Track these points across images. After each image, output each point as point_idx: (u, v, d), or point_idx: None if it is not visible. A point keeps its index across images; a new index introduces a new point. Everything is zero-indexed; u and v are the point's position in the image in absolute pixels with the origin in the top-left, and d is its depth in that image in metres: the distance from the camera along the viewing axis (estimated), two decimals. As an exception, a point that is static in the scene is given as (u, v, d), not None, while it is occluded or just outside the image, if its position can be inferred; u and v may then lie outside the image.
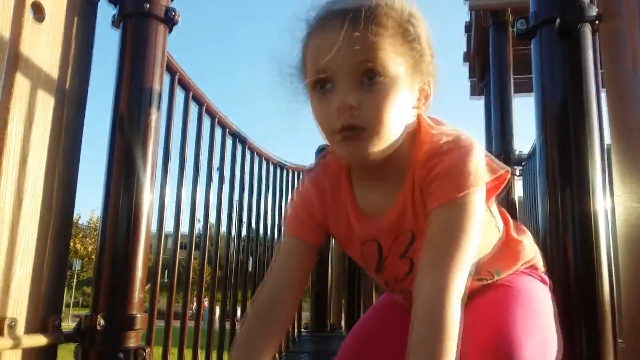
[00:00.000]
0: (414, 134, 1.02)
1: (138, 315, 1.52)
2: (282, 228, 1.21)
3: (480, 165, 0.95)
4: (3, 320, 1.30)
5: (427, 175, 0.97)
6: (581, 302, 1.48)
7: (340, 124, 0.93)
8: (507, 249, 1.16)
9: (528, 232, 1.24)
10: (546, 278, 1.25)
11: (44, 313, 1.42)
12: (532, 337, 0.97)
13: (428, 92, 1.04)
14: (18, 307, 1.35)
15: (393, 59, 0.94)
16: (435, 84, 1.05)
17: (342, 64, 0.92)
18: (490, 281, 1.16)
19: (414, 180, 1.01)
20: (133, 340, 1.51)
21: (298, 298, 1.12)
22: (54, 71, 1.49)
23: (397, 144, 0.98)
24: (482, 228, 0.96)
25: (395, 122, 0.96)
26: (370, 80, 0.93)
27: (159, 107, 1.73)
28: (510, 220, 1.21)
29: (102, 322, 1.46)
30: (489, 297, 1.07)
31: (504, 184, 1.04)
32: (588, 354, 1.44)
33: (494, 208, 1.16)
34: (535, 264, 1.23)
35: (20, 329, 1.35)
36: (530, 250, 1.21)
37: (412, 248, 1.06)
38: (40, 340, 1.37)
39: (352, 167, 1.10)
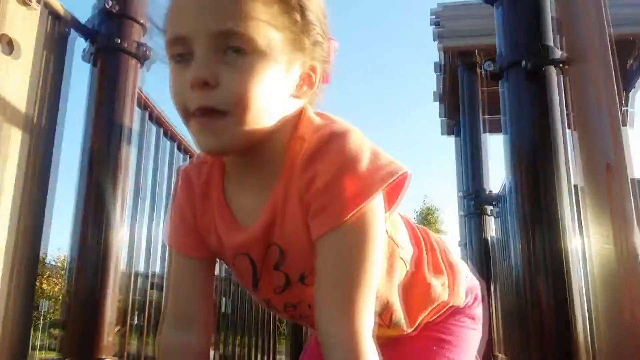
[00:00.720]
0: (293, 127, 0.84)
1: (107, 359, 1.47)
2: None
3: (373, 166, 0.76)
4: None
5: (308, 185, 0.78)
6: (556, 337, 1.48)
7: (195, 105, 0.75)
8: (414, 288, 0.99)
9: (447, 264, 1.04)
10: (471, 313, 1.09)
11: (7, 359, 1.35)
12: None
13: (313, 79, 0.85)
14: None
15: (265, 30, 0.76)
16: (324, 71, 0.86)
17: (200, 30, 0.75)
18: (388, 328, 0.99)
19: (288, 185, 0.82)
20: (103, 386, 1.45)
21: (209, 323, 0.95)
22: (22, 106, 1.46)
23: (267, 135, 0.80)
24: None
25: (262, 107, 0.77)
26: (235, 53, 0.75)
27: (129, 142, 1.71)
28: (424, 253, 1.02)
29: (70, 367, 1.40)
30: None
31: (404, 188, 0.83)
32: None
33: (398, 228, 0.96)
34: (446, 305, 1.05)
35: (-19, 377, 1.28)
36: (442, 293, 1.02)
37: (283, 263, 0.87)
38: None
39: (227, 161, 0.91)
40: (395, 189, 0.81)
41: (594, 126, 1.35)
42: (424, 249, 1.00)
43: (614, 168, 1.19)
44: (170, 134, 2.14)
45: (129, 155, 1.72)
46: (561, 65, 1.53)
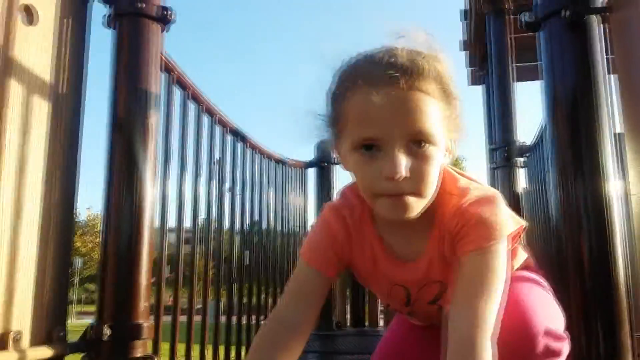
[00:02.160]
0: (440, 184, 1.03)
1: (145, 324, 1.49)
2: (298, 257, 1.15)
3: (505, 217, 1.00)
4: (8, 334, 1.26)
5: (456, 225, 1.00)
6: (596, 291, 1.47)
7: (389, 192, 0.94)
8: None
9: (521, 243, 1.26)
10: (538, 270, 1.28)
11: (49, 324, 1.39)
12: (546, 315, 1.07)
13: (453, 149, 1.04)
14: (22, 320, 1.32)
15: (439, 125, 0.95)
16: (460, 139, 1.05)
17: (394, 131, 0.92)
18: None
19: (442, 231, 1.03)
20: (140, 350, 1.48)
21: (309, 330, 1.10)
22: (47, 75, 1.44)
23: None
24: None
25: (435, 182, 0.98)
26: (418, 147, 0.93)
27: (157, 107, 1.70)
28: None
29: (108, 332, 1.43)
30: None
31: (521, 235, 1.09)
32: (605, 344, 1.43)
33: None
34: (528, 264, 1.26)
35: (26, 341, 1.32)
36: (523, 253, 1.25)
37: (443, 297, 1.10)
38: (46, 352, 1.34)
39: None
40: (516, 235, 1.06)
41: (638, 75, 1.28)
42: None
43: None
44: (194, 97, 2.10)
45: (158, 119, 1.71)
46: (603, 13, 1.45)
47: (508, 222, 1.00)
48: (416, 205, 0.95)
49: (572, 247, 1.51)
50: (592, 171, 1.50)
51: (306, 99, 1.08)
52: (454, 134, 1.01)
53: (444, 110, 0.96)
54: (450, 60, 1.01)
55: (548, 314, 1.09)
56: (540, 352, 1.02)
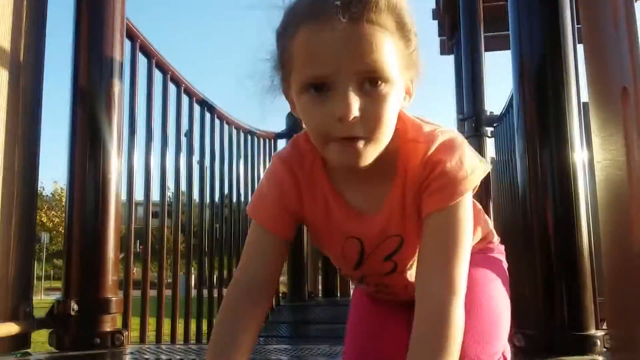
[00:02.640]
0: (398, 131, 0.95)
1: (113, 298, 1.47)
2: (249, 217, 1.07)
3: (472, 165, 0.94)
4: (-31, 311, 1.23)
5: (426, 178, 0.94)
6: (561, 257, 1.50)
7: (341, 135, 0.86)
8: None
9: (479, 206, 1.17)
10: (500, 247, 1.23)
11: (14, 301, 1.36)
12: (483, 338, 1.00)
13: (412, 90, 0.96)
14: (-16, 296, 1.29)
15: (394, 61, 0.87)
16: (418, 78, 0.96)
17: (344, 68, 0.84)
18: None
19: (405, 183, 0.97)
20: (109, 324, 1.47)
21: (272, 294, 1.05)
22: (5, 43, 1.38)
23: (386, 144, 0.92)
24: None
25: (392, 127, 0.90)
26: (372, 86, 0.85)
27: (121, 76, 1.65)
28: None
29: (75, 307, 1.41)
30: None
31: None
32: (569, 308, 1.46)
33: None
34: (487, 236, 1.20)
35: (-10, 318, 1.29)
36: (485, 226, 1.18)
37: (399, 252, 1.03)
38: (12, 328, 1.32)
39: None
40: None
41: (607, 47, 1.28)
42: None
43: (630, 92, 1.14)
44: (159, 65, 2.05)
45: (122, 88, 1.67)
46: (575, -19, 1.45)
47: (476, 171, 0.94)
48: (369, 151, 0.88)
49: (537, 215, 1.53)
50: (559, 140, 1.51)
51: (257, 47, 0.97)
52: (411, 72, 0.93)
53: (400, 45, 0.88)
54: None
55: (484, 337, 1.00)
56: None
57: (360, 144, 0.86)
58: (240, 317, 0.99)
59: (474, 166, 0.94)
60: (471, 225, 0.94)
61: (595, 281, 1.52)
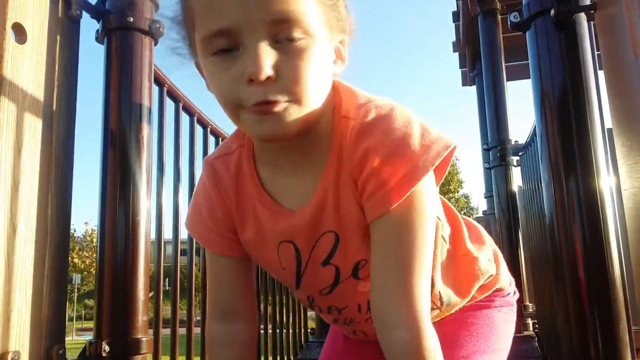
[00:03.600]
0: (333, 104, 0.82)
1: (143, 338, 1.49)
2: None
3: (423, 144, 0.74)
4: (6, 355, 1.26)
5: (360, 164, 0.76)
6: (592, 287, 1.46)
7: (254, 100, 0.71)
8: (457, 266, 0.96)
9: (487, 240, 1.03)
10: (511, 299, 1.07)
11: (47, 343, 1.38)
12: None
13: (343, 53, 0.83)
14: (20, 339, 1.31)
15: (313, 11, 0.73)
16: (349, 42, 0.83)
17: (251, 20, 0.69)
18: (440, 310, 0.97)
19: (339, 166, 0.80)
20: (140, 364, 1.48)
21: (253, 314, 0.94)
22: (39, 93, 1.44)
23: (317, 115, 0.77)
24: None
25: (317, 88, 0.75)
26: (288, 39, 0.71)
27: (149, 120, 1.70)
28: (463, 226, 0.98)
29: (107, 348, 1.43)
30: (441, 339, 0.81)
31: (450, 158, 0.80)
32: (603, 341, 1.42)
33: (438, 205, 0.92)
34: (496, 283, 1.02)
35: (24, 361, 1.31)
36: (489, 267, 0.99)
37: (336, 253, 0.85)
38: (45, 370, 1.34)
39: (258, 146, 0.88)
40: (442, 161, 0.77)
41: (627, 74, 1.29)
42: (461, 222, 0.97)
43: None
44: (186, 108, 2.12)
45: (151, 132, 1.72)
46: (592, 11, 1.46)
47: (428, 151, 0.74)
48: (292, 115, 0.72)
49: (566, 244, 1.51)
50: (584, 167, 1.50)
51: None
52: (340, 31, 0.81)
53: (325, 4, 0.75)
54: None
55: None
56: None
57: (280, 107, 0.71)
58: (228, 349, 0.91)
59: (424, 143, 0.75)
60: (429, 221, 0.76)
61: (629, 310, 1.48)
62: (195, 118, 2.19)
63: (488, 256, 1.00)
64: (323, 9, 0.75)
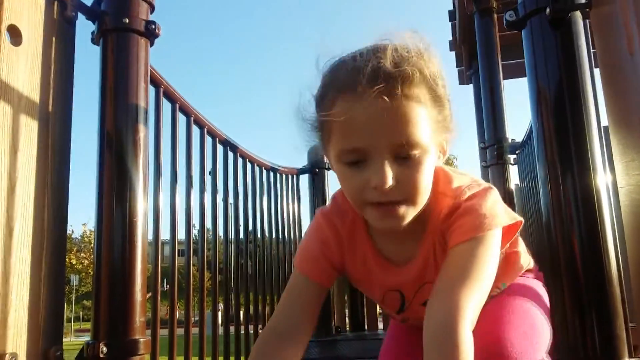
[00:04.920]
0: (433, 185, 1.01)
1: (141, 339, 1.49)
2: (293, 265, 1.14)
3: (496, 208, 0.97)
4: (3, 356, 1.26)
5: (450, 225, 0.98)
6: (589, 284, 1.47)
7: (377, 200, 0.91)
8: (508, 262, 1.18)
9: (519, 239, 1.24)
10: (539, 273, 1.31)
11: (45, 344, 1.38)
12: (522, 335, 1.01)
13: (445, 148, 1.01)
14: (17, 341, 1.31)
15: (427, 130, 0.91)
16: (452, 138, 1.02)
17: (378, 144, 0.89)
18: (497, 294, 1.16)
19: (434, 232, 1.01)
20: (138, 365, 1.47)
21: (306, 340, 1.07)
22: (35, 94, 1.44)
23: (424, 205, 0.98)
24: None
25: (427, 189, 0.95)
26: (407, 155, 0.90)
27: (146, 122, 1.70)
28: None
29: (104, 349, 1.42)
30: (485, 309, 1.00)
31: (517, 231, 1.06)
32: (600, 338, 1.43)
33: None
34: (529, 266, 1.27)
35: (21, 363, 1.31)
36: (526, 257, 1.24)
37: None
38: (42, 373, 1.34)
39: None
40: (511, 231, 1.04)
41: (622, 71, 1.29)
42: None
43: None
44: (183, 108, 2.11)
45: (147, 133, 1.71)
46: (587, 9, 1.46)
47: (500, 214, 0.97)
48: (407, 214, 0.93)
49: (563, 241, 1.52)
50: (580, 165, 1.50)
51: (296, 104, 1.04)
52: (446, 134, 0.99)
53: (434, 114, 0.93)
54: (439, 58, 0.96)
55: (525, 347, 1.01)
56: None
57: (400, 208, 0.92)
58: (272, 356, 1.00)
59: (497, 209, 0.97)
60: (492, 265, 0.94)
61: (626, 307, 1.49)
62: (192, 119, 2.18)
63: (523, 248, 1.24)
64: (435, 124, 0.93)
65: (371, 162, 0.90)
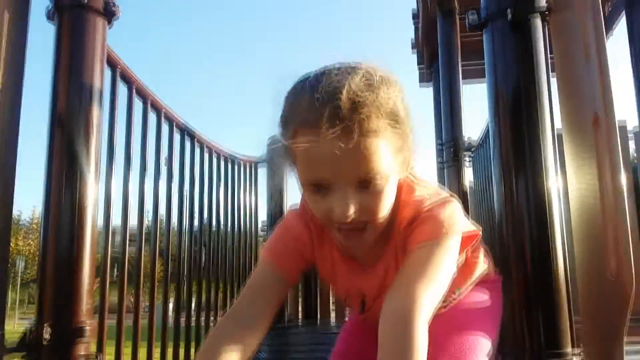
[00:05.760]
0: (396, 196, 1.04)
1: (87, 325, 1.45)
2: (259, 257, 1.16)
3: (454, 217, 1.00)
4: (-60, 339, 1.20)
5: (410, 232, 1.00)
6: (537, 281, 1.52)
7: (342, 226, 0.96)
8: (465, 270, 1.20)
9: (481, 249, 1.25)
10: (496, 277, 1.31)
11: (-16, 328, 1.32)
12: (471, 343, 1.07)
13: (409, 162, 1.03)
14: (-45, 324, 1.25)
15: (388, 159, 0.93)
16: (415, 153, 1.03)
17: (340, 176, 0.91)
18: (454, 301, 1.18)
19: (397, 240, 1.05)
20: (83, 350, 1.43)
21: (265, 328, 1.07)
22: (-16, 69, 1.38)
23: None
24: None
25: (389, 206, 0.98)
26: (368, 184, 0.93)
27: (100, 103, 1.65)
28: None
29: (47, 336, 1.38)
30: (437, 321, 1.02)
31: (474, 241, 1.09)
32: (546, 334, 1.48)
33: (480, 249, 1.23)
34: (488, 277, 1.27)
35: (-41, 346, 1.26)
36: (483, 266, 1.25)
37: None
38: (-19, 357, 1.28)
39: None
40: (469, 240, 1.07)
41: (578, 77, 1.33)
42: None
43: (602, 120, 1.18)
44: (139, 91, 2.06)
45: (101, 115, 1.66)
46: (546, 13, 1.49)
47: (458, 223, 1.00)
48: (371, 234, 0.99)
49: (514, 240, 1.55)
50: (533, 167, 1.54)
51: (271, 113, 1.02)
52: (408, 155, 1.00)
53: (396, 142, 0.94)
54: (399, 85, 0.96)
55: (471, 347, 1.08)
56: None
57: (364, 232, 0.97)
58: (226, 344, 0.98)
59: (456, 217, 1.00)
60: (448, 270, 0.97)
61: (571, 303, 1.54)
62: (149, 102, 2.13)
63: (483, 259, 1.24)
64: (396, 150, 0.94)
65: (334, 192, 0.93)
